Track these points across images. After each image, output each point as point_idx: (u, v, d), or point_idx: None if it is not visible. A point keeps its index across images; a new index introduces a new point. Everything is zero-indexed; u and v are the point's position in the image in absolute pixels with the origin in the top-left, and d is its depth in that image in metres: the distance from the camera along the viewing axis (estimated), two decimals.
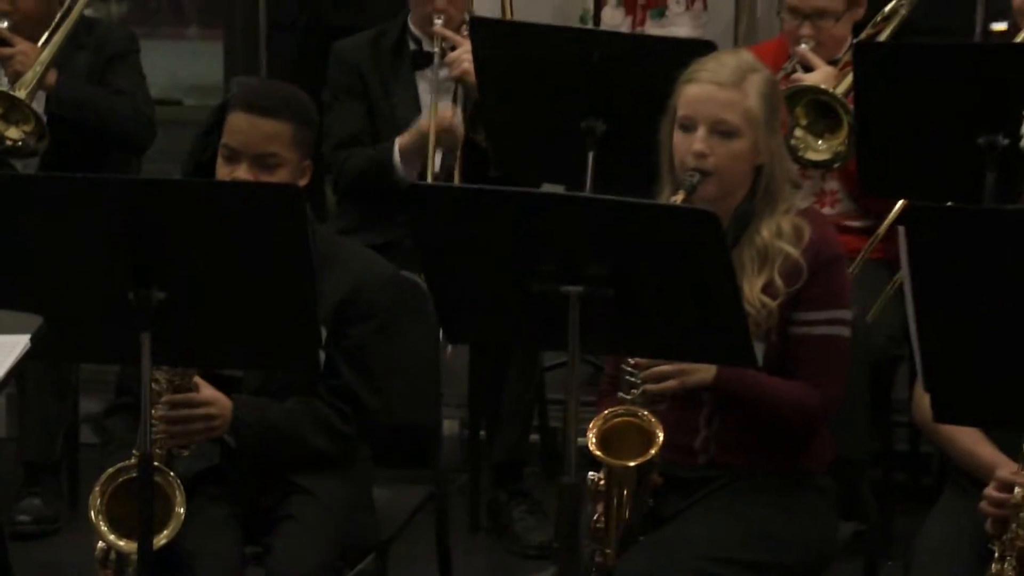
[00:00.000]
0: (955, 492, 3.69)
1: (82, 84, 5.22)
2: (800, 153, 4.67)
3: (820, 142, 4.73)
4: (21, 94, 5.01)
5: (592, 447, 3.50)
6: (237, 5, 7.65)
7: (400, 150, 5.00)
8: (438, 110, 4.95)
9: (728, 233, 3.51)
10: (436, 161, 4.99)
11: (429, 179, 4.93)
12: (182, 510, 3.51)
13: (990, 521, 3.44)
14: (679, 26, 6.06)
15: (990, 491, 3.46)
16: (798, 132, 4.69)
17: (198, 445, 3.68)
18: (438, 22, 5.01)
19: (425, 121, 4.97)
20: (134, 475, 3.44)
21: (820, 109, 4.72)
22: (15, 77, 5.07)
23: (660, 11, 6.13)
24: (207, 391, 3.65)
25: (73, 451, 5.01)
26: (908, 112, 4.41)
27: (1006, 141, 4.11)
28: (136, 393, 3.41)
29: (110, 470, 3.55)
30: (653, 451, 3.49)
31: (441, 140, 4.92)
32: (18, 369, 2.75)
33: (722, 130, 3.63)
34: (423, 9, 5.07)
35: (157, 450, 3.45)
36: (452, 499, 4.37)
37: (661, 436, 3.49)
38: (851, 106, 4.57)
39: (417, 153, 4.95)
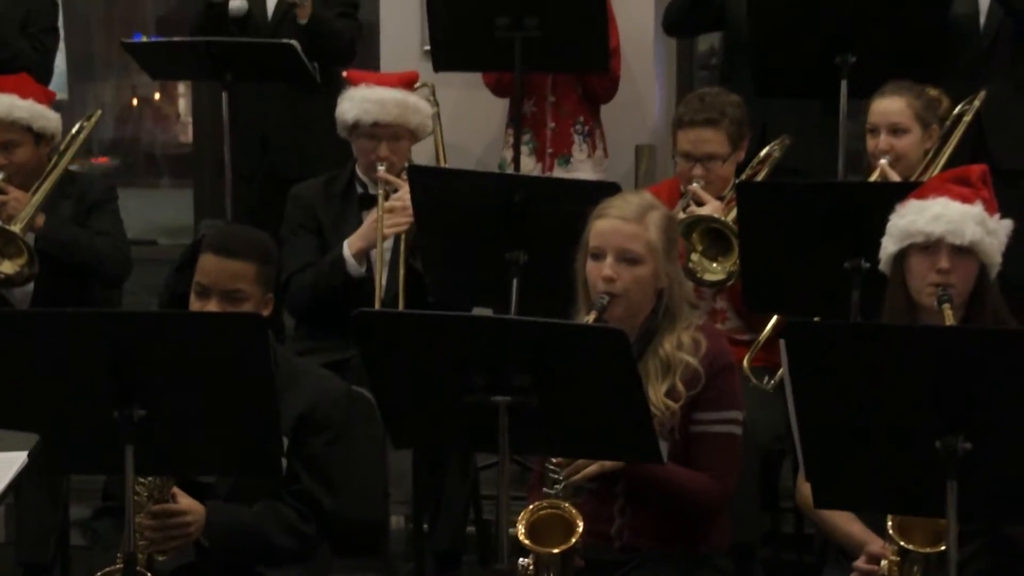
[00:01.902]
0: (833, 568, 3.69)
1: (67, 226, 5.20)
2: (698, 275, 4.69)
3: (715, 264, 4.75)
4: (16, 228, 4.99)
5: (521, 536, 3.47)
6: (205, 159, 7.67)
7: (351, 249, 4.97)
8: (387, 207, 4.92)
9: (635, 347, 3.52)
10: (387, 248, 4.99)
11: (379, 266, 4.93)
12: None
13: None
14: (581, 171, 6.10)
15: (860, 563, 3.47)
16: (695, 257, 4.71)
17: (175, 545, 3.63)
18: (381, 169, 5.02)
19: (370, 221, 4.95)
20: None
21: (713, 236, 4.75)
22: (7, 221, 5.06)
23: (566, 158, 6.17)
24: (184, 500, 3.60)
25: (65, 553, 4.93)
26: (784, 241, 4.42)
27: (868, 264, 4.13)
28: (120, 498, 3.37)
29: (99, 574, 3.50)
30: (575, 539, 3.46)
31: (389, 235, 4.90)
32: (17, 483, 2.71)
33: (627, 258, 3.65)
34: (368, 158, 5.08)
35: (139, 554, 3.41)
36: None
37: (581, 525, 3.47)
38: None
39: (367, 248, 4.92)
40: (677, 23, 6.17)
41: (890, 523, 3.38)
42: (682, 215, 4.74)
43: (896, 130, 4.93)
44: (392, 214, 4.94)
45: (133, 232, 5.55)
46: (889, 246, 3.75)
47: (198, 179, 8.00)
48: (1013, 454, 2.93)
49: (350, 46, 6.26)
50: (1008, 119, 5.56)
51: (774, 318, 4.68)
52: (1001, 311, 3.73)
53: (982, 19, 5.61)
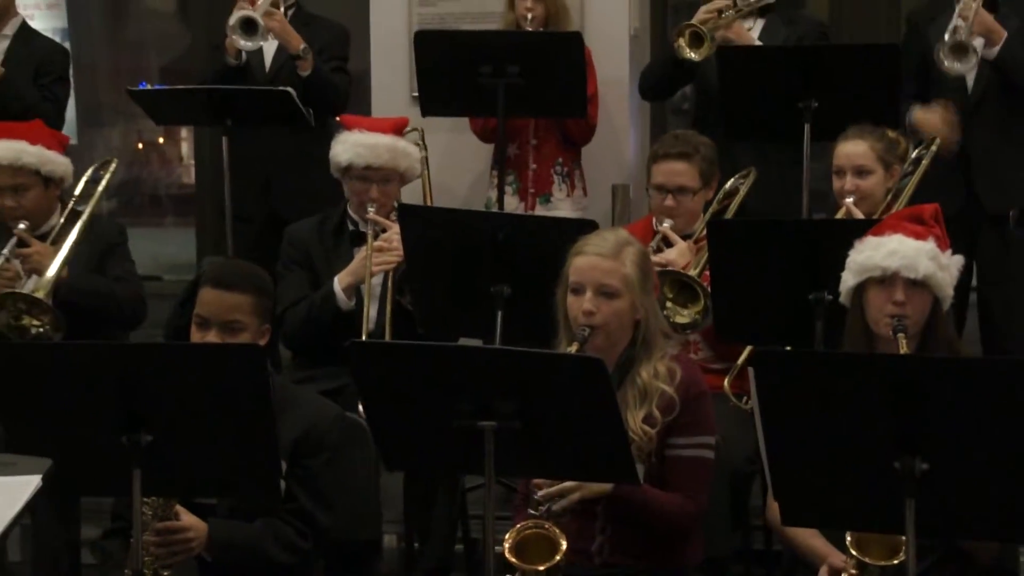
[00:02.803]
0: None
1: (88, 276, 5.20)
2: (670, 319, 4.68)
3: (684, 310, 4.76)
4: (40, 295, 4.98)
5: (507, 555, 3.48)
6: (206, 199, 7.68)
7: (340, 284, 4.97)
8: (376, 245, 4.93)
9: (614, 375, 3.53)
10: (376, 284, 4.99)
11: (367, 301, 4.93)
12: None
13: None
14: (561, 210, 6.10)
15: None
16: (668, 304, 4.71)
17: (180, 563, 3.63)
18: (371, 210, 5.03)
19: (359, 259, 4.95)
20: None
21: (682, 285, 4.75)
22: (30, 273, 5.06)
23: (546, 197, 6.18)
24: (187, 518, 3.60)
25: (77, 571, 4.92)
26: (751, 275, 4.45)
27: (830, 297, 4.15)
28: (128, 519, 3.38)
29: None
30: (558, 557, 3.48)
31: (377, 272, 4.90)
32: (31, 505, 2.71)
33: (605, 292, 3.66)
34: (359, 199, 5.09)
35: (146, 570, 3.40)
36: None
37: (564, 544, 3.48)
38: (705, 284, 4.61)
39: (356, 283, 4.92)
40: (653, 87, 6.18)
41: (848, 538, 3.41)
42: (655, 257, 4.74)
43: (861, 171, 4.96)
44: (380, 253, 4.96)
45: (139, 269, 5.54)
46: (848, 280, 3.77)
47: (200, 218, 8.01)
48: (966, 473, 2.94)
49: (344, 98, 6.27)
50: (995, 167, 5.59)
51: (748, 348, 4.69)
52: (953, 340, 3.77)
53: (970, 82, 5.62)
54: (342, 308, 4.94)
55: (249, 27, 5.99)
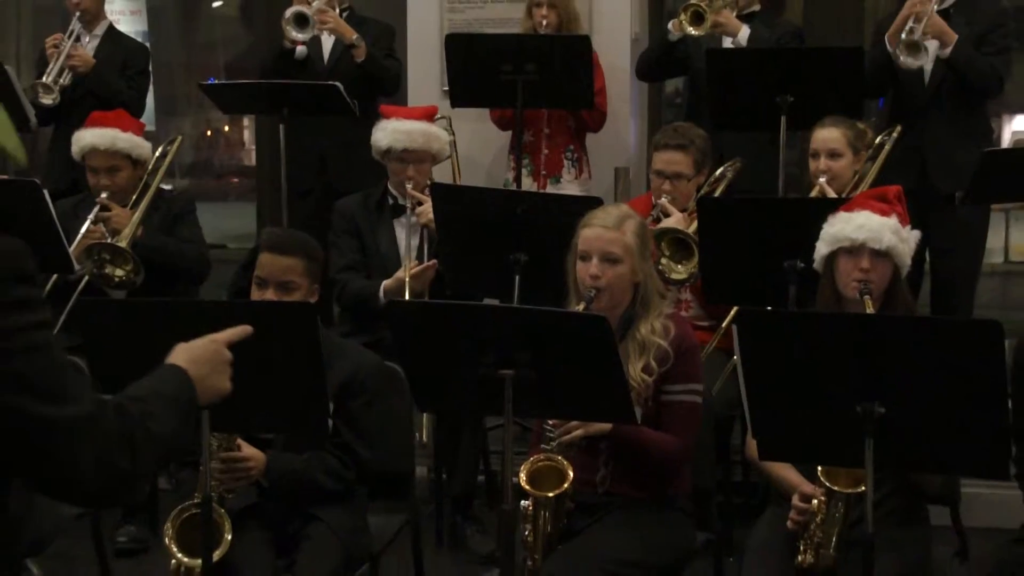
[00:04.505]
0: (773, 508, 3.70)
1: (160, 236, 5.22)
2: (667, 275, 4.69)
3: (680, 266, 4.75)
4: (123, 244, 5.02)
5: (523, 483, 3.48)
6: (265, 178, 7.68)
7: (384, 288, 4.96)
8: (413, 265, 4.91)
9: (616, 331, 3.52)
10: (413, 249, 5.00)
11: (407, 268, 4.90)
12: (230, 536, 3.48)
13: (795, 526, 3.47)
14: (569, 189, 6.09)
15: (795, 503, 3.48)
16: (664, 260, 4.71)
17: (241, 488, 3.64)
18: (409, 186, 5.02)
19: (403, 271, 4.94)
20: (196, 511, 3.42)
21: (678, 243, 4.74)
22: (113, 233, 5.09)
23: (557, 178, 6.17)
24: (247, 450, 3.61)
25: (154, 495, 4.94)
26: (736, 245, 4.44)
27: (802, 265, 4.13)
28: (196, 454, 3.38)
29: (178, 508, 3.51)
30: (567, 485, 3.48)
31: (413, 286, 4.89)
32: None
33: (609, 259, 3.65)
34: (398, 177, 5.08)
35: (212, 493, 3.41)
36: (423, 523, 4.31)
37: (572, 474, 3.49)
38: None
39: (397, 292, 4.91)
40: (648, 71, 6.21)
41: (819, 470, 3.40)
42: (654, 225, 4.74)
43: (833, 154, 4.94)
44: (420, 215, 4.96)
45: (207, 238, 5.55)
46: (821, 249, 3.75)
47: (260, 194, 8.01)
48: (918, 416, 2.93)
49: (396, 80, 6.35)
50: (945, 153, 5.56)
51: (734, 309, 4.68)
52: (910, 303, 3.75)
53: (927, 78, 5.59)
54: (382, 307, 4.92)
55: (301, 21, 6.08)
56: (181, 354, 2.33)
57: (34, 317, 1.93)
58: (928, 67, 5.51)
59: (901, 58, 5.34)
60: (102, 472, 1.97)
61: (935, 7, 5.36)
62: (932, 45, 5.46)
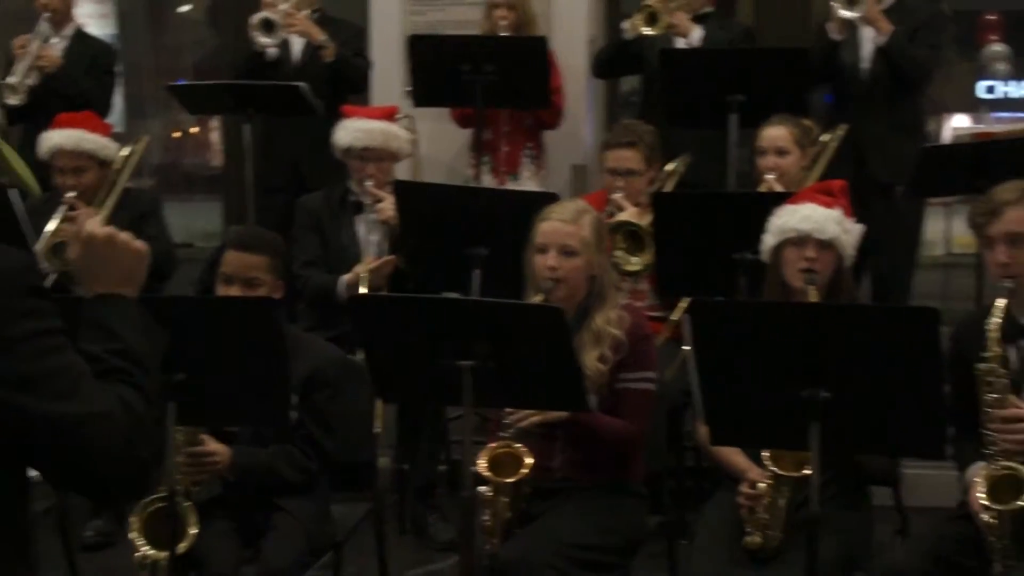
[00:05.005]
0: (723, 491, 3.71)
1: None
2: (622, 267, 4.70)
3: (634, 259, 4.77)
4: None
5: (482, 470, 3.49)
6: (232, 178, 7.64)
7: (344, 283, 4.94)
8: (371, 261, 4.90)
9: (573, 322, 3.53)
10: (374, 244, 5.02)
11: (366, 265, 4.89)
12: (195, 529, 3.47)
13: (744, 508, 3.50)
14: (528, 185, 6.08)
15: (744, 487, 3.51)
16: (618, 252, 4.73)
17: (207, 480, 3.63)
18: (369, 183, 5.02)
19: (361, 266, 4.93)
20: (161, 504, 3.41)
21: (632, 236, 4.76)
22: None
23: (515, 175, 6.16)
24: (212, 444, 3.60)
25: None
26: (687, 236, 4.46)
27: (751, 256, 4.16)
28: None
29: (145, 501, 3.49)
30: (524, 471, 3.49)
31: (372, 281, 4.87)
32: None
33: (566, 251, 3.66)
34: (359, 175, 5.07)
35: (178, 487, 3.41)
36: (386, 512, 4.31)
37: (530, 461, 3.50)
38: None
39: (356, 286, 4.88)
40: (603, 69, 6.26)
41: (765, 454, 3.43)
42: (609, 220, 4.75)
43: (780, 152, 4.97)
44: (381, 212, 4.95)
45: (175, 237, 5.53)
46: (769, 241, 3.78)
47: (226, 194, 7.98)
48: (860, 401, 2.96)
49: (365, 78, 6.35)
50: (883, 145, 5.62)
51: (684, 301, 4.70)
52: (853, 292, 3.79)
53: (865, 67, 5.66)
54: (340, 299, 4.91)
55: (267, 26, 6.06)
56: (102, 282, 2.24)
57: (43, 325, 1.97)
58: (866, 56, 5.61)
59: (839, 11, 5.42)
60: (121, 465, 1.99)
61: None
62: (868, 35, 5.53)
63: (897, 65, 5.58)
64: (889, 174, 5.59)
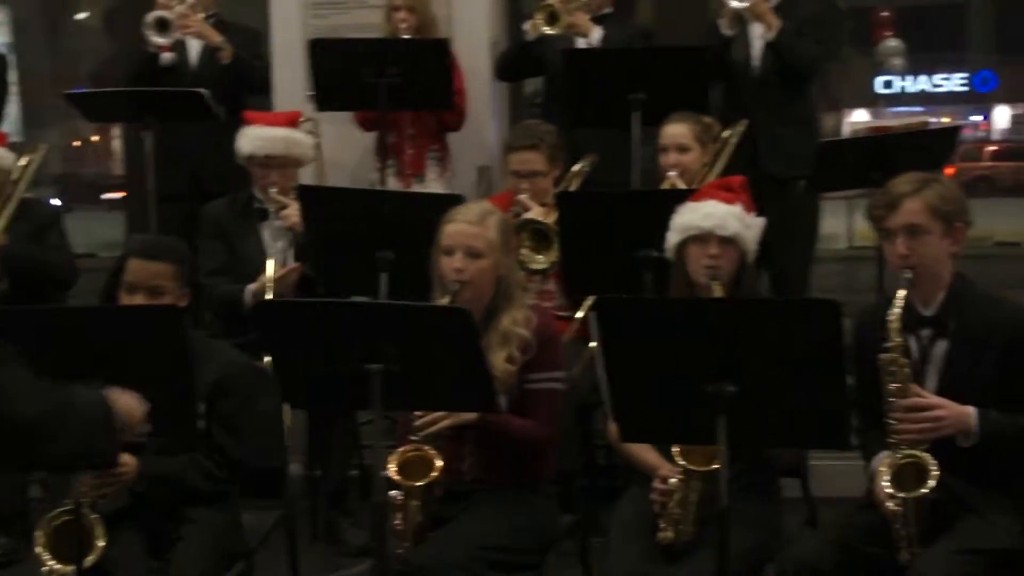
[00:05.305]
0: (634, 488, 3.72)
1: (25, 244, 5.08)
2: (527, 265, 4.71)
3: (540, 256, 4.78)
4: None
5: (393, 474, 3.47)
6: (134, 186, 7.52)
7: (250, 292, 4.88)
8: (276, 270, 4.84)
9: (480, 323, 3.52)
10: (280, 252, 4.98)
11: (272, 271, 4.83)
12: (102, 542, 3.40)
13: (656, 504, 3.52)
14: (433, 188, 6.06)
15: (656, 484, 3.52)
16: (524, 251, 4.73)
17: (114, 492, 3.56)
18: (272, 190, 4.97)
19: (268, 275, 4.88)
20: (67, 517, 3.34)
21: (538, 235, 4.77)
22: None
23: (421, 178, 6.13)
24: (120, 456, 3.53)
25: (25, 504, 4.81)
26: (592, 235, 4.47)
27: (656, 254, 4.18)
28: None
29: (49, 515, 3.42)
30: (435, 474, 3.47)
31: (277, 289, 4.81)
32: None
33: (472, 253, 3.65)
34: (262, 182, 5.02)
35: (84, 499, 3.34)
36: (298, 518, 4.26)
37: (440, 463, 3.48)
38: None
39: (261, 295, 4.82)
40: (505, 71, 6.26)
41: (675, 450, 3.45)
42: (514, 219, 4.76)
43: (682, 149, 5.01)
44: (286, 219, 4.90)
45: (77, 247, 5.44)
46: (672, 238, 3.80)
47: (129, 202, 7.84)
48: (766, 394, 2.99)
49: (264, 80, 6.30)
50: (776, 140, 5.69)
51: (590, 299, 4.71)
52: (756, 287, 3.81)
53: (755, 63, 5.74)
54: (247, 308, 4.85)
55: (162, 25, 6.00)
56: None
57: None
58: (755, 53, 5.70)
59: (730, 1, 5.52)
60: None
61: None
62: (757, 31, 5.65)
63: (786, 60, 5.67)
64: (783, 169, 5.68)
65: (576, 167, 5.23)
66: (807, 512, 3.87)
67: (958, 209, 3.47)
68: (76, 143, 11.51)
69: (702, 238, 3.70)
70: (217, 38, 6.10)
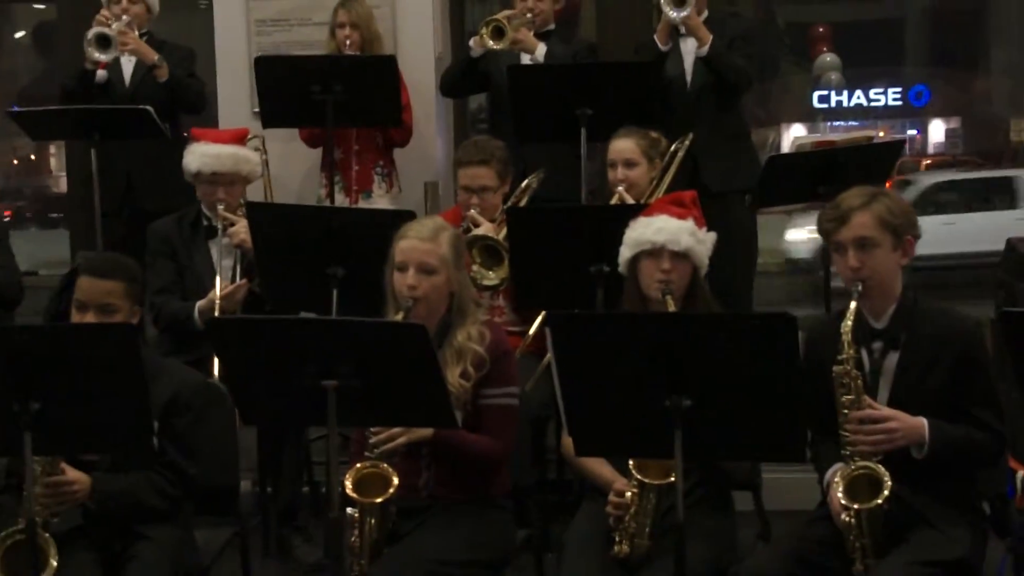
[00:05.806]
0: (589, 502, 3.73)
1: None
2: (479, 281, 4.71)
3: (491, 272, 4.78)
4: None
5: (348, 491, 3.45)
6: (76, 204, 7.43)
7: (198, 309, 4.85)
8: (224, 286, 4.81)
9: (434, 339, 3.51)
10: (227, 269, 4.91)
11: (219, 288, 4.81)
12: (55, 562, 3.35)
13: (612, 518, 3.52)
14: (380, 204, 6.05)
15: (611, 498, 3.52)
16: (475, 267, 4.73)
17: (66, 510, 3.51)
18: (220, 207, 4.94)
19: (215, 292, 4.84)
20: (20, 536, 3.29)
21: (489, 251, 4.77)
22: None
23: (368, 193, 6.13)
24: (72, 473, 3.49)
25: None
26: (543, 250, 4.48)
27: (608, 269, 4.19)
28: (20, 475, 3.26)
29: (2, 534, 3.37)
30: (391, 490, 3.46)
31: (224, 306, 4.78)
32: None
33: (425, 269, 3.64)
34: (209, 199, 4.98)
35: (37, 518, 3.29)
36: (250, 536, 4.22)
37: (396, 480, 3.47)
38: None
39: (210, 312, 4.79)
40: (451, 87, 6.26)
41: (631, 463, 3.46)
42: (464, 235, 4.75)
43: (629, 164, 5.03)
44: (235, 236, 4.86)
45: (19, 266, 5.36)
46: (625, 253, 3.82)
47: (72, 220, 7.75)
48: (721, 408, 3.00)
49: (201, 97, 6.28)
50: (714, 155, 5.74)
51: (542, 314, 4.72)
52: (710, 301, 3.84)
53: (688, 79, 5.78)
54: (197, 327, 4.82)
55: (103, 42, 5.96)
56: None
57: None
58: (688, 67, 5.76)
59: (667, 12, 5.58)
60: None
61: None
62: (690, 47, 5.71)
63: (718, 74, 5.72)
64: (721, 183, 5.72)
65: (524, 183, 5.24)
66: (760, 525, 3.89)
67: (907, 222, 3.52)
68: (15, 161, 11.35)
69: (655, 253, 3.73)
70: (154, 56, 6.07)
